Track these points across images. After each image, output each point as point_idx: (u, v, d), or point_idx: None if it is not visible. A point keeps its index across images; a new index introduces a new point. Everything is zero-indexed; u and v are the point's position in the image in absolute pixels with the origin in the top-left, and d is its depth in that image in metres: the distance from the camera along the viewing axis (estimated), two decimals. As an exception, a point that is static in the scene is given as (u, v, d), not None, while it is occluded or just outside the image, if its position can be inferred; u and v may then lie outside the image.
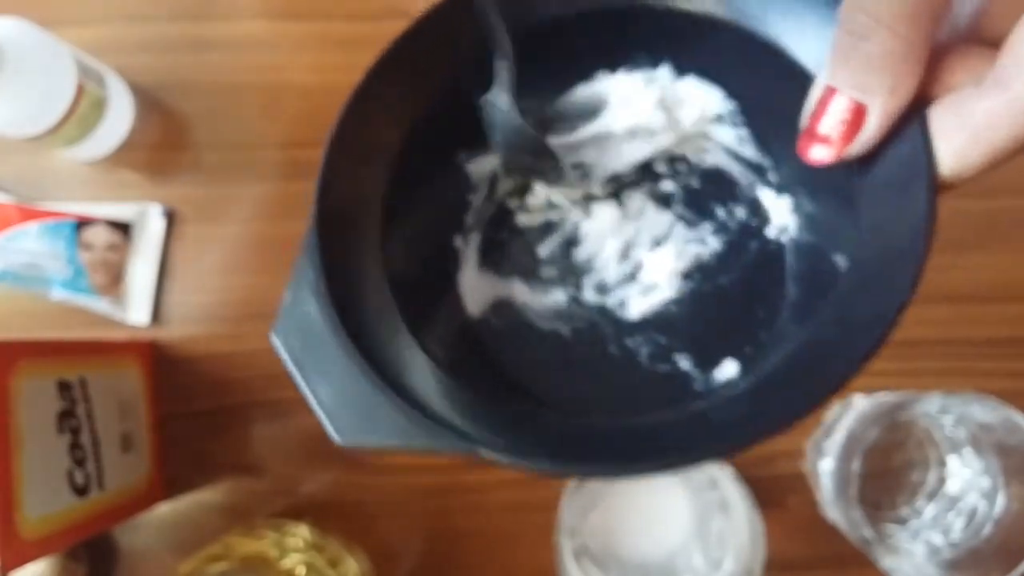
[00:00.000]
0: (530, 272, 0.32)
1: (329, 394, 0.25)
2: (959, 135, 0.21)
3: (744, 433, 0.21)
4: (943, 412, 0.41)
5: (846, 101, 0.21)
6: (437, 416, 0.23)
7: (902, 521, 0.43)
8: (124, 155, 0.49)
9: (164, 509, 0.46)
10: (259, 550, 0.40)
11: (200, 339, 0.47)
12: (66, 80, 0.43)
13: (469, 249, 0.32)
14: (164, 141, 0.49)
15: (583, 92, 0.31)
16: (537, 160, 0.29)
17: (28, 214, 0.46)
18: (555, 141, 0.31)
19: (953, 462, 0.43)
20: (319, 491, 0.46)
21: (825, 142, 0.22)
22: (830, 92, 0.22)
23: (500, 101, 0.28)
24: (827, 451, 0.42)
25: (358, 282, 0.27)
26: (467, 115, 0.31)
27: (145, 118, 0.49)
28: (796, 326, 0.27)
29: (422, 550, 0.46)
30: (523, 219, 0.33)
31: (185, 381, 0.47)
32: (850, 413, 0.43)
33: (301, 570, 0.39)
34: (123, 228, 0.47)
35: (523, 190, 0.33)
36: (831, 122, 0.22)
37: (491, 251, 0.33)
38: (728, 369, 0.29)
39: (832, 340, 0.23)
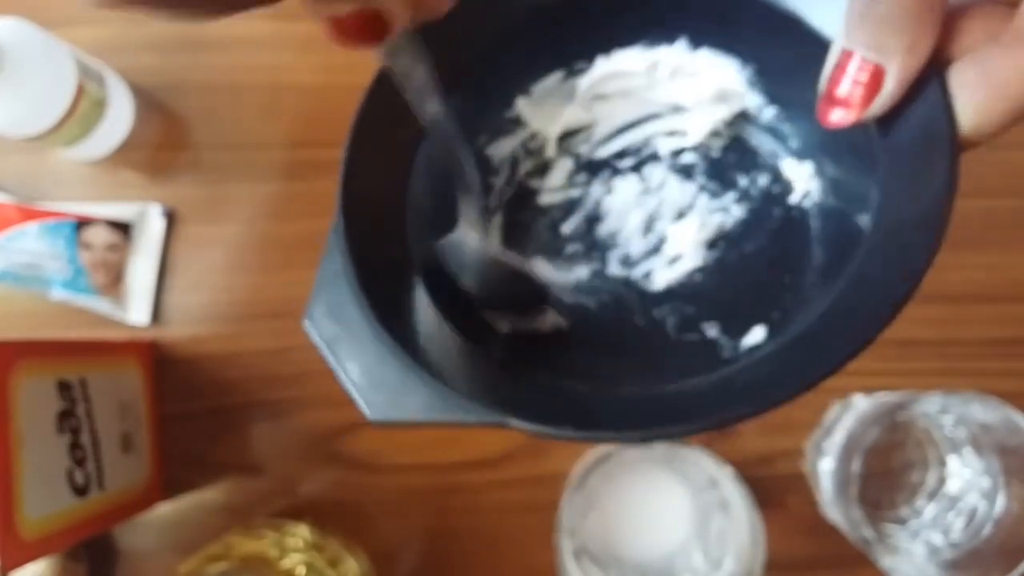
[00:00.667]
0: (554, 250, 0.32)
1: (360, 374, 0.26)
2: (980, 91, 0.21)
3: (770, 393, 0.21)
4: (943, 412, 0.41)
5: (863, 63, 0.21)
6: (465, 389, 0.24)
7: (902, 521, 0.43)
8: (124, 155, 0.49)
9: (164, 509, 0.46)
10: (259, 550, 0.40)
11: (200, 339, 0.47)
12: (66, 80, 0.43)
13: (492, 230, 0.33)
14: (164, 141, 0.49)
15: (601, 69, 0.31)
16: (516, 288, 0.30)
17: (28, 214, 0.46)
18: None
19: (953, 462, 0.43)
20: (319, 491, 0.46)
21: (844, 105, 0.22)
22: (847, 55, 0.22)
23: (469, 239, 0.28)
24: (827, 451, 0.42)
25: (384, 265, 0.27)
26: (487, 100, 0.31)
27: (145, 118, 0.49)
28: (822, 289, 0.27)
29: (422, 550, 0.46)
30: (545, 198, 0.33)
31: (185, 381, 0.47)
32: (850, 413, 0.43)
33: (301, 570, 0.39)
34: (123, 228, 0.47)
35: (544, 170, 0.33)
36: (849, 85, 0.22)
37: (514, 231, 0.33)
38: (756, 335, 0.29)
39: (857, 298, 0.23)
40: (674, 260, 0.31)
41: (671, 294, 0.31)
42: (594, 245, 0.32)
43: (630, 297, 0.31)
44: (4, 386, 0.34)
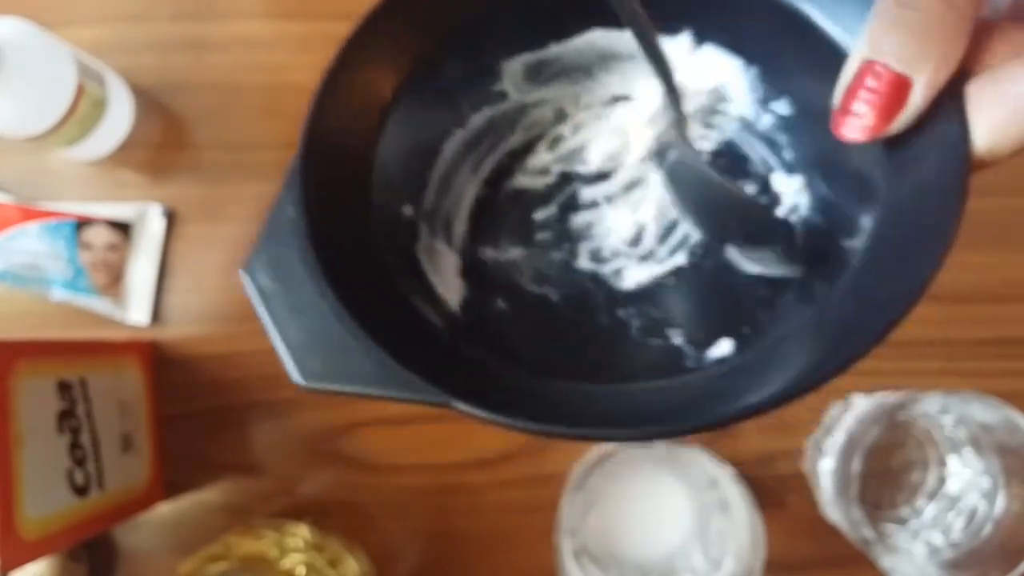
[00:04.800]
0: (523, 235, 0.31)
1: (298, 335, 0.24)
2: (998, 110, 0.20)
3: (741, 402, 0.21)
4: (943, 412, 0.41)
5: (887, 75, 0.20)
6: (410, 364, 0.22)
7: (902, 521, 0.43)
8: (124, 155, 0.49)
9: (164, 509, 0.46)
10: (259, 550, 0.40)
11: (200, 339, 0.47)
12: (66, 80, 0.43)
13: (463, 205, 0.32)
14: (164, 141, 0.49)
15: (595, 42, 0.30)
16: (728, 209, 0.28)
17: (28, 214, 0.46)
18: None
19: (953, 462, 0.43)
20: (319, 491, 0.46)
21: (863, 119, 0.21)
22: (869, 65, 0.20)
23: (688, 156, 0.26)
24: (827, 451, 0.42)
25: (341, 223, 0.26)
26: (473, 65, 0.29)
27: (145, 118, 0.49)
28: (801, 307, 0.26)
29: (422, 550, 0.46)
30: (521, 180, 0.32)
31: (185, 381, 0.47)
32: (850, 413, 0.43)
33: (301, 570, 0.39)
34: (123, 228, 0.47)
35: (525, 150, 0.32)
36: (869, 98, 0.21)
37: (484, 209, 0.31)
38: (723, 347, 0.28)
39: (849, 315, 0.22)
40: (646, 260, 0.30)
41: (639, 295, 0.30)
42: (566, 235, 0.31)
43: (596, 293, 0.30)
44: (4, 386, 0.34)
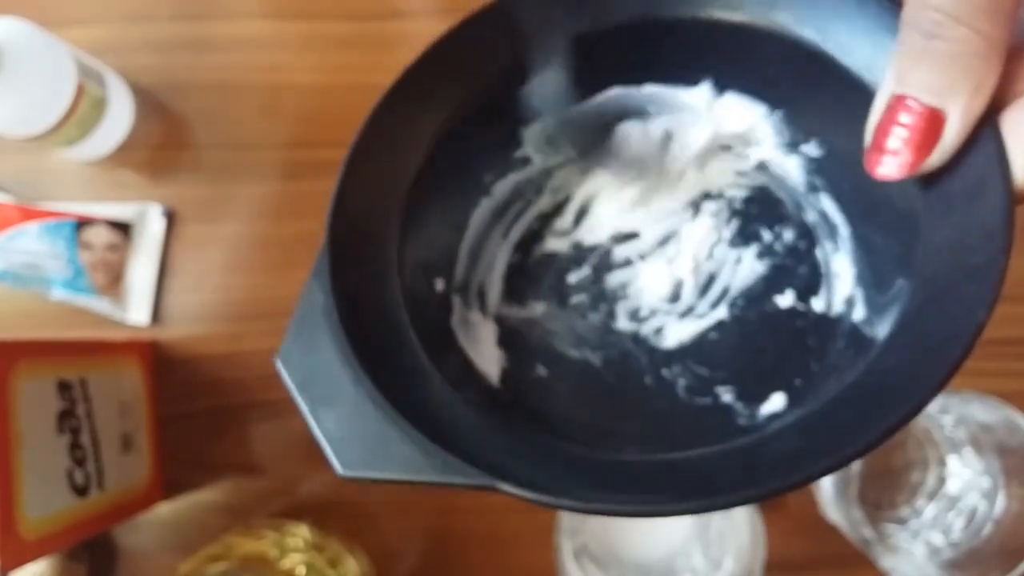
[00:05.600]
0: (558, 299, 0.30)
1: (335, 424, 0.24)
2: None
3: (801, 469, 0.19)
4: (943, 412, 0.41)
5: (920, 108, 0.19)
6: (451, 447, 0.22)
7: (902, 521, 0.43)
8: (124, 155, 0.49)
9: (164, 509, 0.46)
10: (259, 550, 0.40)
11: (200, 339, 0.47)
12: (66, 80, 0.43)
13: (495, 274, 0.31)
14: (164, 141, 0.49)
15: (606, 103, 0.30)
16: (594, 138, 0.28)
17: (28, 214, 0.46)
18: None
19: (953, 462, 0.43)
20: (319, 491, 0.46)
21: (896, 156, 0.20)
22: (899, 100, 0.19)
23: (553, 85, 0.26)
24: (827, 451, 0.42)
25: (372, 307, 0.26)
26: (494, 134, 0.29)
27: (145, 118, 0.49)
28: (852, 354, 0.25)
29: (422, 550, 0.46)
30: (552, 243, 0.31)
31: (185, 381, 0.47)
32: (850, 413, 0.42)
33: (301, 570, 0.39)
34: (123, 228, 0.47)
35: (554, 212, 0.31)
36: (903, 133, 0.20)
37: (518, 275, 0.31)
38: (775, 403, 0.26)
39: (899, 365, 0.21)
40: (687, 316, 0.29)
41: (683, 353, 0.29)
42: (602, 296, 0.30)
43: (639, 354, 0.29)
44: (4, 386, 0.34)
